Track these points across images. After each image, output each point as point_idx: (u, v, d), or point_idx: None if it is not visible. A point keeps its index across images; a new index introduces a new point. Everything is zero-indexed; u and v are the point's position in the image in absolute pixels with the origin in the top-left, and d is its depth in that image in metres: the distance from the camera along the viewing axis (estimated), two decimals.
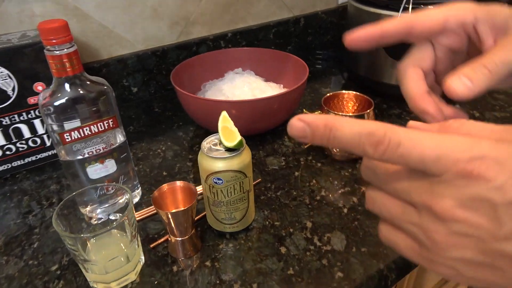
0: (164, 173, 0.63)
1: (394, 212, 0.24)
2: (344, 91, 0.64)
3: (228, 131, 0.47)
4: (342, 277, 0.45)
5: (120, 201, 0.52)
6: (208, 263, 0.47)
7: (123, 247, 0.44)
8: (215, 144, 0.47)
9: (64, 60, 0.44)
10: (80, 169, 0.50)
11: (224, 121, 0.47)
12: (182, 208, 0.44)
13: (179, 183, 0.48)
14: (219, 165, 0.45)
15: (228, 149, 0.46)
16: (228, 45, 0.95)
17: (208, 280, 0.45)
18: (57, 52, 0.43)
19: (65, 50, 0.44)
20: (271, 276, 0.45)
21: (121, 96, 0.86)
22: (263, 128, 0.70)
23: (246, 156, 0.47)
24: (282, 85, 0.79)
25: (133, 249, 0.45)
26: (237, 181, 0.47)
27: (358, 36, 0.30)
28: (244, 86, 0.74)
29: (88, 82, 0.48)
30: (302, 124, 0.23)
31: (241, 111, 0.65)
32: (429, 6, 0.67)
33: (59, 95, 0.46)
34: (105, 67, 0.81)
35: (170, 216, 0.45)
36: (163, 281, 0.45)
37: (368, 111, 0.58)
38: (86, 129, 0.48)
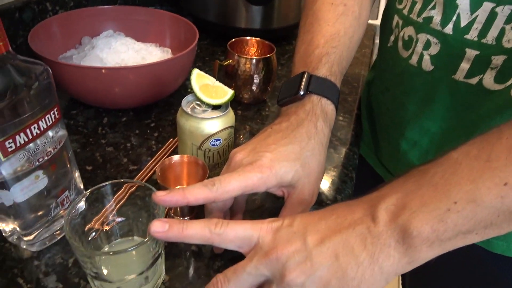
0: (90, 168, 0.52)
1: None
2: (248, 37, 0.67)
3: (210, 88, 0.44)
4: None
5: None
6: None
7: (144, 266, 0.35)
8: (198, 105, 0.44)
9: None
10: (18, 188, 0.36)
11: (201, 79, 0.44)
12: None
13: (184, 158, 0.42)
14: (217, 125, 0.43)
15: (214, 107, 0.44)
16: (55, 7, 0.77)
17: None
18: None
19: None
20: None
21: None
22: (162, 94, 0.65)
23: (230, 108, 0.45)
24: (158, 44, 0.73)
25: (155, 268, 0.37)
26: (230, 136, 0.45)
27: (165, 201, 0.34)
28: (128, 49, 0.64)
29: (20, 63, 0.33)
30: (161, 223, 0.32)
31: (142, 77, 0.58)
32: None
33: None
34: None
35: None
36: None
37: (271, 55, 0.64)
38: (34, 128, 0.34)
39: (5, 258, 0.39)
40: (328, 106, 0.43)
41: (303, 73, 0.44)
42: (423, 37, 0.47)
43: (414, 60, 0.49)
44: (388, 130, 0.58)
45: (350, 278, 0.29)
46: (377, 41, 1.08)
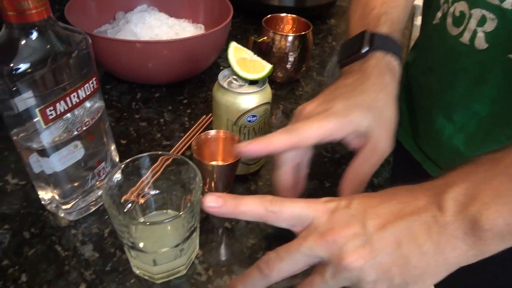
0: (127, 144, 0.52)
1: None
2: (283, 14, 0.65)
3: (248, 62, 0.42)
4: None
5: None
6: None
7: (180, 238, 0.35)
8: (235, 80, 0.42)
9: None
10: (58, 156, 0.36)
11: (238, 52, 0.42)
12: (232, 161, 0.39)
13: (221, 133, 0.41)
14: (254, 101, 0.41)
15: (251, 82, 0.43)
16: None
17: None
18: None
19: None
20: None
21: None
22: (194, 71, 0.64)
23: (268, 84, 0.44)
24: (191, 20, 0.72)
25: (190, 241, 0.36)
26: (266, 113, 0.44)
27: (249, 151, 0.34)
28: (162, 25, 0.64)
29: (61, 30, 0.33)
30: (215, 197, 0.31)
31: (175, 52, 0.57)
32: None
33: (26, 52, 0.31)
34: None
35: (216, 169, 0.39)
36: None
37: (307, 32, 0.62)
38: (74, 96, 0.34)
39: (44, 225, 0.40)
40: (393, 61, 0.41)
41: (363, 31, 0.42)
42: (477, 13, 0.43)
43: (465, 37, 0.45)
44: (431, 113, 0.55)
45: (412, 267, 0.27)
46: (415, 22, 1.03)
